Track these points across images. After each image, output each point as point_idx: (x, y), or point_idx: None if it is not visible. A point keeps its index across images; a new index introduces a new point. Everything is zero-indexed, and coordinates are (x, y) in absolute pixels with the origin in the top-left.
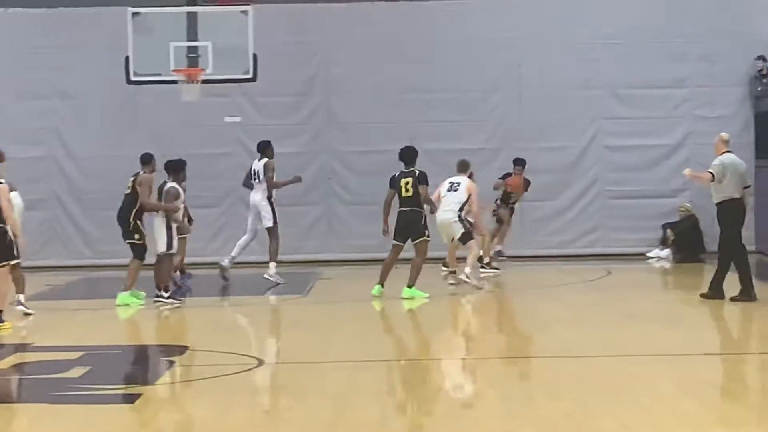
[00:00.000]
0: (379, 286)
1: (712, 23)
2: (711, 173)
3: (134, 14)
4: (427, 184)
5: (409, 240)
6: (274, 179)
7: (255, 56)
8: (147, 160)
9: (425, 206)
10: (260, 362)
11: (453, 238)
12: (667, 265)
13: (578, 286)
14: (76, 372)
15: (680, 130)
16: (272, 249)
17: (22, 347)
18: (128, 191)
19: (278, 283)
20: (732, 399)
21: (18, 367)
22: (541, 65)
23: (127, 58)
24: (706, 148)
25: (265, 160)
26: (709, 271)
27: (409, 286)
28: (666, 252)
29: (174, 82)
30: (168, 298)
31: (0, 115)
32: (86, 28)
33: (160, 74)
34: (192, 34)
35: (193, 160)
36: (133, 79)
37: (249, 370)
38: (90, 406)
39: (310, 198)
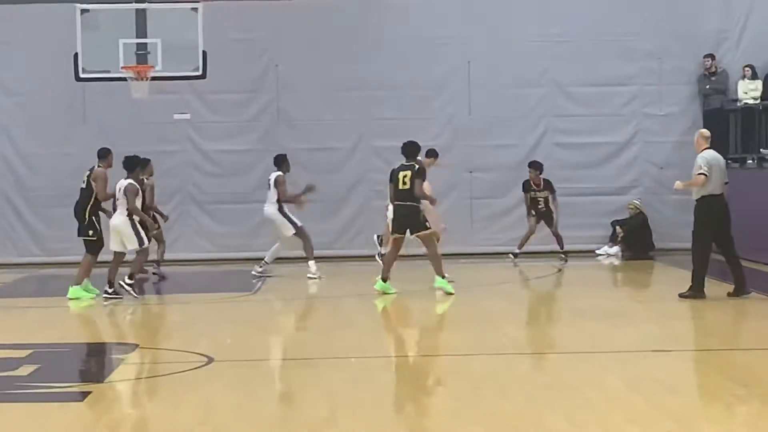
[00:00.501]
0: (381, 281)
1: (661, 21)
2: (703, 174)
3: (83, 11)
4: (423, 179)
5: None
6: (286, 193)
7: (205, 53)
8: (104, 154)
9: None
10: (209, 360)
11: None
12: (617, 262)
13: (528, 283)
14: (25, 370)
15: (629, 128)
16: (307, 250)
17: None
18: (83, 186)
19: (320, 278)
20: (680, 395)
21: None
22: (490, 63)
23: (75, 55)
24: (655, 145)
25: (278, 173)
26: (658, 269)
27: (442, 277)
28: (615, 249)
29: (123, 79)
30: (113, 293)
31: None
32: (34, 24)
33: (109, 71)
34: (141, 31)
35: (143, 157)
36: (82, 75)
37: (198, 368)
38: (38, 404)
39: (258, 195)
